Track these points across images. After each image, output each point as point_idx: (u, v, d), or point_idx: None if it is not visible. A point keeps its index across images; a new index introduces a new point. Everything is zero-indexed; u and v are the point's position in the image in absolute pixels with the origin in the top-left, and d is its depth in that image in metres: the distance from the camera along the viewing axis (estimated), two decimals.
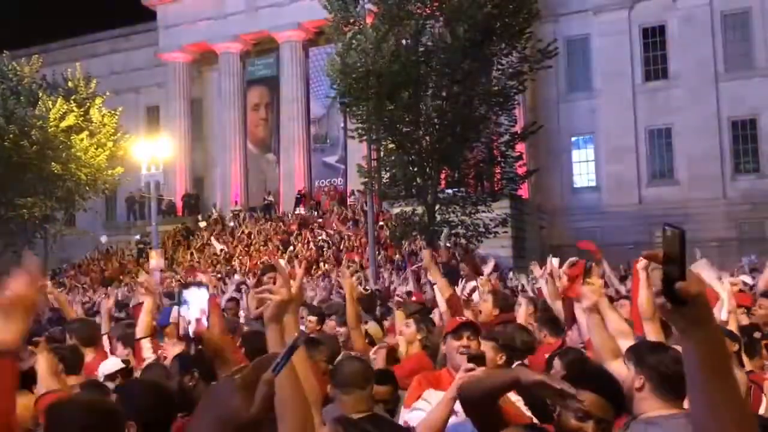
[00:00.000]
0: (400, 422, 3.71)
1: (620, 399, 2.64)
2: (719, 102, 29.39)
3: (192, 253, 28.85)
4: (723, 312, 5.18)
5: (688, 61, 29.51)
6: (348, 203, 30.00)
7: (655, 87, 30.51)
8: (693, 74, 29.37)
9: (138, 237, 31.83)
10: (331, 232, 26.44)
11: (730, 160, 29.56)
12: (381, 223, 25.04)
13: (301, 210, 30.22)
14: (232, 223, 31.32)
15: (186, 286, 2.25)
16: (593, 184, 31.66)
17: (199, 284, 2.28)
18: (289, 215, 30.35)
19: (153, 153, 26.31)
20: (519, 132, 21.23)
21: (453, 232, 20.27)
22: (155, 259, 23.22)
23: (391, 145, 20.14)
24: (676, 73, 30.16)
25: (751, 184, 28.93)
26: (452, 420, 3.29)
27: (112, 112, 30.55)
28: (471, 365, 3.16)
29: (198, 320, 2.18)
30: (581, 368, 3.24)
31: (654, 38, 30.69)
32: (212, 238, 29.07)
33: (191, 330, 2.21)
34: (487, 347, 4.11)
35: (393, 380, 4.25)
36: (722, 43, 29.84)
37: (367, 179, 20.24)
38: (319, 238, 26.31)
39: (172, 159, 30.16)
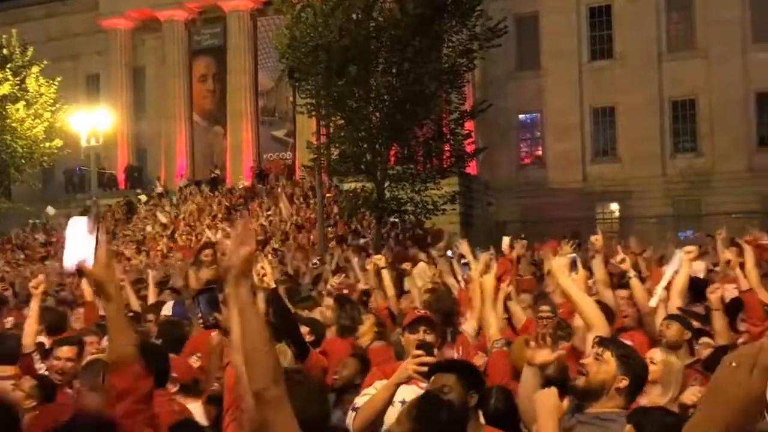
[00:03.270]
0: (354, 404, 3.76)
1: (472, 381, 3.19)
2: (661, 82, 30.19)
3: (134, 230, 28.16)
4: (653, 299, 5.36)
5: (633, 41, 30.12)
6: (296, 178, 29.72)
7: (601, 66, 31.08)
8: (637, 54, 30.02)
9: (91, 201, 30.67)
10: (281, 208, 26.15)
11: (669, 140, 30.50)
12: (329, 195, 24.93)
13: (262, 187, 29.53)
14: (174, 198, 30.61)
15: (76, 222, 2.10)
16: (539, 161, 32.23)
17: (89, 217, 2.14)
18: (237, 189, 29.86)
19: (93, 124, 25.44)
20: (468, 110, 21.34)
21: (402, 209, 20.36)
22: None
23: (341, 121, 19.98)
24: (620, 53, 30.76)
25: (689, 162, 29.95)
26: None
27: (50, 81, 29.30)
28: (419, 351, 3.29)
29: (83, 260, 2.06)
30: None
31: (600, 17, 31.16)
32: (158, 212, 28.40)
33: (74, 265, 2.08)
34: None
35: None
36: (665, 24, 30.55)
37: (316, 156, 20.06)
38: (268, 213, 26.01)
39: (113, 130, 29.24)
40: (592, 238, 6.04)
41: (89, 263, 2.08)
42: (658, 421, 2.55)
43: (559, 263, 3.66)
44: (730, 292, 5.74)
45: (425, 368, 3.22)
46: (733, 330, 5.07)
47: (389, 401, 3.33)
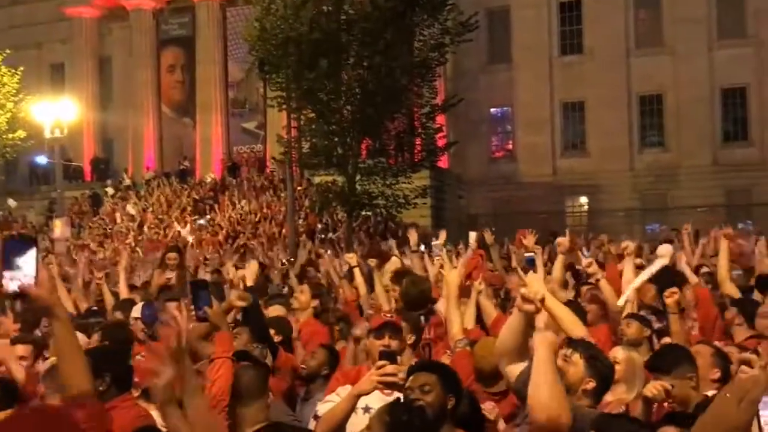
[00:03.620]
0: (315, 412, 3.74)
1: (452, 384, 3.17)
2: (629, 78, 30.60)
3: (101, 223, 27.67)
4: (622, 299, 5.43)
5: (602, 36, 30.45)
6: (267, 171, 29.48)
7: (571, 61, 31.37)
8: (606, 50, 30.36)
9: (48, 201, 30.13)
10: (250, 201, 25.92)
11: (637, 134, 30.96)
12: (300, 189, 24.80)
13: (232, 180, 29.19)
14: (142, 190, 30.13)
15: (14, 241, 2.05)
16: (510, 155, 32.46)
17: (28, 241, 2.08)
18: (207, 181, 29.51)
19: (57, 115, 24.89)
20: (440, 104, 21.37)
21: (373, 203, 20.35)
22: (60, 228, 22.09)
23: (312, 114, 19.85)
24: (590, 48, 31.08)
25: (655, 157, 30.47)
26: None
27: (13, 70, 28.57)
28: (383, 362, 3.26)
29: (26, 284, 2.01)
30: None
31: (570, 13, 31.42)
32: (128, 205, 27.92)
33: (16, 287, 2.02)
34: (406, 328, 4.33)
35: None
36: (633, 20, 30.93)
37: (286, 149, 19.92)
38: (239, 205, 25.76)
39: (79, 121, 28.65)
40: (558, 239, 6.09)
41: (31, 286, 2.01)
42: (621, 429, 2.57)
43: (535, 277, 3.53)
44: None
45: (390, 379, 3.20)
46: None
47: (351, 411, 3.31)
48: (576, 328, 3.67)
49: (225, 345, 3.34)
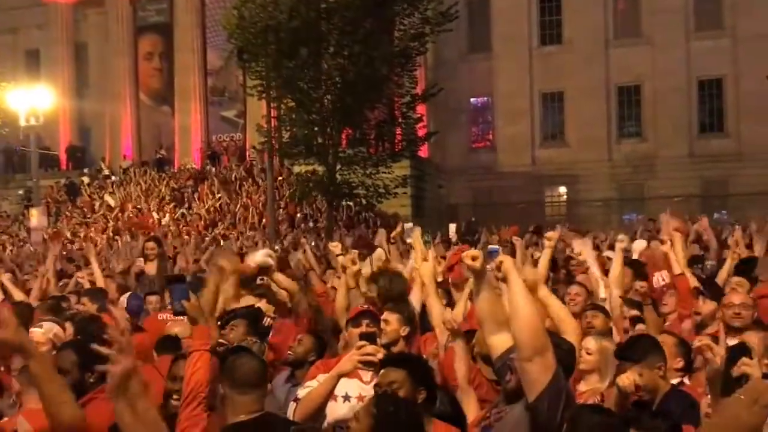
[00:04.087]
0: (296, 396, 3.77)
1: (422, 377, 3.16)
2: (608, 68, 30.82)
3: (79, 212, 27.33)
4: (602, 290, 5.53)
5: (581, 27, 30.60)
6: (246, 161, 29.28)
7: (550, 51, 31.50)
8: (585, 40, 30.53)
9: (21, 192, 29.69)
10: (229, 191, 25.73)
11: (615, 125, 31.24)
12: (280, 178, 24.69)
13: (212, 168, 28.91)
14: (114, 177, 29.78)
15: None
16: (490, 144, 32.58)
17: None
18: (185, 170, 29.25)
19: (33, 102, 24.47)
20: (420, 94, 21.37)
21: (353, 192, 20.35)
22: (36, 218, 21.85)
23: (292, 104, 19.76)
24: (569, 38, 31.22)
25: (633, 147, 30.79)
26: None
27: None
28: (363, 342, 3.31)
29: None
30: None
31: (550, 3, 31.52)
32: (106, 195, 27.59)
33: None
34: (392, 318, 4.30)
35: None
36: (612, 11, 31.12)
37: (266, 138, 19.82)
38: (219, 195, 25.56)
39: (54, 108, 28.18)
40: (547, 234, 6.14)
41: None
42: (590, 419, 2.61)
43: (532, 271, 3.57)
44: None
45: (369, 358, 3.23)
46: None
47: (330, 392, 3.35)
48: (567, 318, 4.02)
49: (203, 338, 3.35)
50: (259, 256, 4.88)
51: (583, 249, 5.93)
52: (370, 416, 2.69)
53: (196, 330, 3.45)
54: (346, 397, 3.54)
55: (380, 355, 3.26)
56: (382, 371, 3.16)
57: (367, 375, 3.58)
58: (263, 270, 5.02)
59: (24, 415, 3.20)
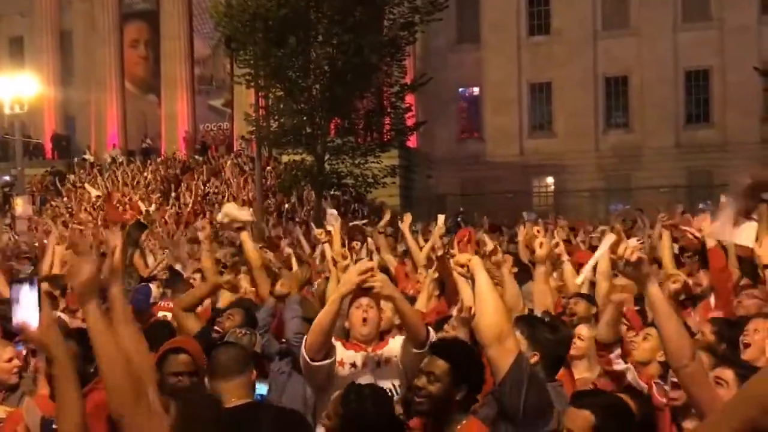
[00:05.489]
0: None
1: (465, 371, 2.88)
2: (596, 59, 30.90)
3: (64, 203, 27.07)
4: (580, 277, 5.54)
5: (569, 17, 30.63)
6: (234, 150, 29.10)
7: (539, 42, 31.52)
8: (573, 31, 30.58)
9: (7, 178, 29.30)
10: (218, 183, 25.56)
11: (602, 115, 31.37)
12: (268, 168, 24.57)
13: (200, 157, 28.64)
14: (105, 168, 29.50)
15: (19, 281, 2.10)
16: (478, 134, 32.62)
17: (31, 281, 2.11)
18: (172, 159, 29.01)
19: (17, 90, 24.18)
20: (409, 83, 21.32)
21: (342, 182, 20.30)
22: (21, 207, 21.66)
23: (280, 93, 19.64)
24: (557, 29, 31.25)
25: (620, 138, 30.94)
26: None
27: None
28: (363, 259, 3.41)
29: (25, 323, 2.04)
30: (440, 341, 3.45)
31: None
32: (86, 184, 27.34)
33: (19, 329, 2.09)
34: (386, 307, 4.20)
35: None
36: (601, 1, 31.17)
37: (254, 128, 19.70)
38: (208, 185, 25.38)
39: (39, 97, 27.87)
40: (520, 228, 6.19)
41: (32, 326, 2.04)
42: (544, 333, 3.02)
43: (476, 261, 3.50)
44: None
45: (369, 275, 3.28)
46: None
47: (336, 313, 3.41)
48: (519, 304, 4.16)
49: None
50: (237, 211, 4.84)
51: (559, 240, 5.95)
52: (339, 417, 2.71)
53: None
54: (354, 365, 3.57)
55: (378, 283, 3.31)
56: (427, 359, 2.93)
57: (370, 347, 3.62)
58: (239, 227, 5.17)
59: (36, 400, 3.23)
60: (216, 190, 24.98)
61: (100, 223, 23.18)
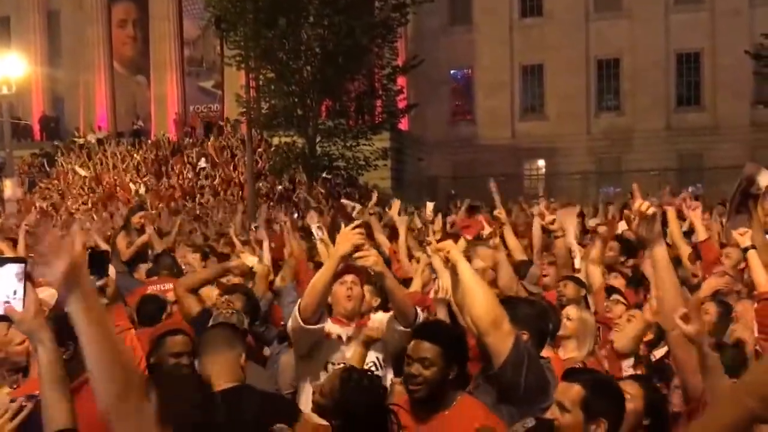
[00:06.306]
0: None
1: (455, 351, 2.90)
2: (588, 41, 30.81)
3: (54, 184, 26.89)
4: (577, 261, 5.59)
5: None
6: (224, 132, 28.90)
7: (530, 24, 31.38)
8: (565, 12, 30.44)
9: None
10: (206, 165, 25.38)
11: (594, 98, 31.35)
12: (259, 150, 24.44)
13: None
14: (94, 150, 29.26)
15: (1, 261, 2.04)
16: (470, 117, 32.55)
17: (14, 260, 2.05)
18: (163, 141, 28.80)
19: (4, 71, 23.87)
20: (400, 66, 21.23)
21: (333, 165, 20.27)
22: (10, 189, 21.49)
23: (271, 74, 19.51)
24: (549, 10, 31.10)
25: (611, 121, 30.97)
26: None
27: None
28: (355, 223, 3.48)
29: (6, 302, 1.99)
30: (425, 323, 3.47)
31: None
32: (76, 166, 27.15)
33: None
34: (365, 290, 4.17)
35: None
36: None
37: (245, 110, 19.59)
38: (199, 167, 25.19)
39: (27, 77, 27.53)
40: (495, 212, 6.21)
41: (17, 309, 1.96)
42: (524, 309, 3.07)
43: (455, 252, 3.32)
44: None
45: (361, 238, 3.33)
46: None
47: (332, 276, 3.44)
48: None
49: (121, 318, 3.37)
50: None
51: (565, 220, 5.96)
52: (332, 398, 2.65)
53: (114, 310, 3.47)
54: (339, 338, 3.59)
55: (372, 258, 3.34)
56: (413, 342, 2.91)
57: (353, 323, 3.63)
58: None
59: (30, 384, 3.17)
60: (208, 174, 24.84)
61: (90, 205, 23.08)
